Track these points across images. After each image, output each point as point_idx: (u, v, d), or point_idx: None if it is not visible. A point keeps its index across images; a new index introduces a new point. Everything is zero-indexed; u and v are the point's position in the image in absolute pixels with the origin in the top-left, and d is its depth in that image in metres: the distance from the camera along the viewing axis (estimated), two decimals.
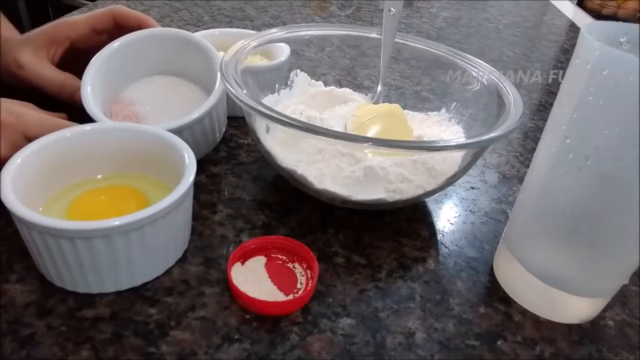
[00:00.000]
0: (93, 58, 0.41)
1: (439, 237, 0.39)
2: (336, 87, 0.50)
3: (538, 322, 0.32)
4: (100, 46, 0.43)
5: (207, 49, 0.43)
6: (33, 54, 0.44)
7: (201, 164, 0.40)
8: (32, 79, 0.43)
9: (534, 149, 0.40)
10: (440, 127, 0.46)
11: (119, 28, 0.46)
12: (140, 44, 0.44)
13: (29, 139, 0.33)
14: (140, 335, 0.28)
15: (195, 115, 0.38)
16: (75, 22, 0.45)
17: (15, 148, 0.31)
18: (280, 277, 0.32)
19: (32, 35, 0.45)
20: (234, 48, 0.40)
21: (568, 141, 0.28)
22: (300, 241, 0.34)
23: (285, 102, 0.46)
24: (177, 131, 0.37)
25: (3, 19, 0.46)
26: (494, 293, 0.34)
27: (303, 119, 0.42)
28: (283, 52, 0.48)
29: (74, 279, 0.29)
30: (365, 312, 0.31)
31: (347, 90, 0.50)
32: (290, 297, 0.31)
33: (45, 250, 0.28)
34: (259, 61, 0.49)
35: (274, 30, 0.46)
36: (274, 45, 0.49)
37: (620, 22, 0.29)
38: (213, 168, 0.42)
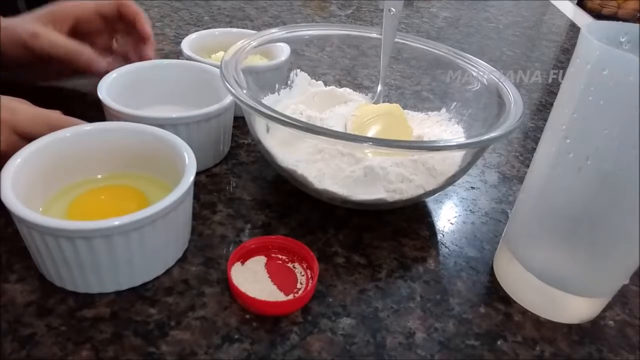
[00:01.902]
0: (108, 74, 0.41)
1: (439, 237, 0.39)
2: (336, 87, 0.50)
3: (538, 322, 0.32)
4: (102, 32, 0.43)
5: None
6: (43, 26, 0.43)
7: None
8: (48, 47, 0.43)
9: (534, 149, 0.40)
10: (440, 127, 0.46)
11: (120, 18, 0.47)
12: (161, 71, 0.45)
13: (21, 135, 0.33)
14: (140, 335, 0.28)
15: (199, 112, 0.38)
16: (81, 2, 0.46)
17: (7, 144, 0.31)
18: (280, 277, 0.32)
19: (38, 12, 0.45)
20: (234, 48, 0.40)
21: (568, 141, 0.28)
22: (300, 241, 0.33)
23: (285, 102, 0.46)
24: (176, 123, 0.37)
25: None
26: (494, 293, 0.34)
27: (303, 119, 0.42)
28: (283, 51, 0.48)
29: (74, 279, 0.29)
30: (365, 312, 0.31)
31: (347, 90, 0.50)
32: (290, 297, 0.31)
33: (45, 250, 0.28)
34: (259, 61, 0.49)
35: (274, 30, 0.46)
36: (274, 45, 0.49)
37: (620, 22, 0.29)
38: (213, 168, 0.42)
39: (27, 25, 0.43)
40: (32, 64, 0.43)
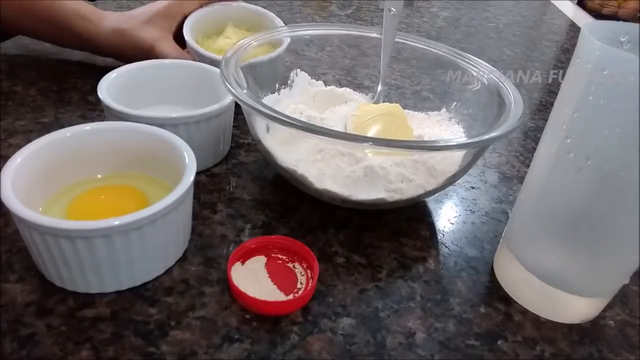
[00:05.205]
0: (108, 74, 0.41)
1: (439, 236, 0.39)
2: (336, 86, 0.50)
3: (538, 322, 0.32)
4: None
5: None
6: (158, 34, 0.51)
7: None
8: (161, 57, 0.49)
9: (534, 149, 0.40)
10: (441, 126, 0.46)
11: None
12: (161, 71, 0.45)
13: None
14: (140, 335, 0.28)
15: (199, 112, 0.38)
16: (187, 1, 0.53)
17: None
18: (281, 277, 0.32)
19: (150, 15, 0.52)
20: (234, 47, 0.40)
21: (568, 141, 0.28)
22: (300, 241, 0.33)
23: (285, 102, 0.46)
24: (176, 123, 0.37)
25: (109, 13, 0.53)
26: (494, 293, 0.34)
27: (303, 119, 0.42)
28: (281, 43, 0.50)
29: (74, 279, 0.29)
30: (366, 312, 0.31)
31: (348, 89, 0.50)
32: (290, 297, 0.31)
33: (45, 250, 0.28)
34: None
35: (274, 30, 0.46)
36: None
37: (620, 22, 0.29)
38: (213, 168, 0.42)
39: (143, 34, 0.50)
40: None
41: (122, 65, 0.43)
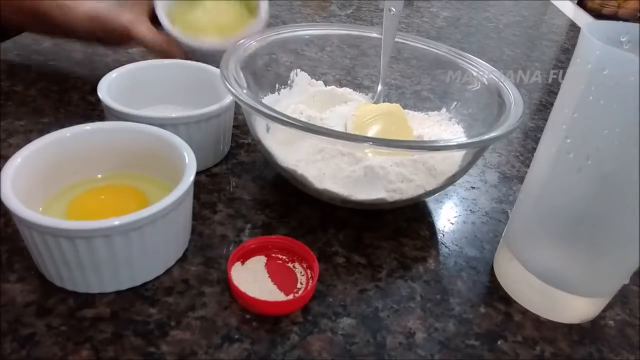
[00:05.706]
0: (108, 73, 0.41)
1: (439, 236, 0.39)
2: (336, 86, 0.50)
3: (538, 322, 0.32)
4: None
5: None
6: (132, 16, 0.48)
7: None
8: (140, 44, 0.49)
9: (534, 149, 0.40)
10: (441, 126, 0.46)
11: None
12: (161, 71, 0.45)
13: None
14: (140, 335, 0.28)
15: (199, 112, 0.38)
16: None
17: None
18: (281, 277, 0.32)
19: None
20: (233, 48, 0.40)
21: (568, 141, 0.28)
22: (300, 241, 0.33)
23: (285, 102, 0.46)
24: (176, 123, 0.37)
25: None
26: (494, 293, 0.34)
27: (303, 119, 0.42)
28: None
29: (74, 279, 0.29)
30: (366, 312, 0.31)
31: (348, 89, 0.50)
32: (290, 297, 0.31)
33: (45, 250, 0.28)
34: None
35: (274, 30, 0.46)
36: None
37: (620, 22, 0.29)
38: (213, 168, 0.42)
39: (120, 18, 0.48)
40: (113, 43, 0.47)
41: (121, 65, 0.43)
